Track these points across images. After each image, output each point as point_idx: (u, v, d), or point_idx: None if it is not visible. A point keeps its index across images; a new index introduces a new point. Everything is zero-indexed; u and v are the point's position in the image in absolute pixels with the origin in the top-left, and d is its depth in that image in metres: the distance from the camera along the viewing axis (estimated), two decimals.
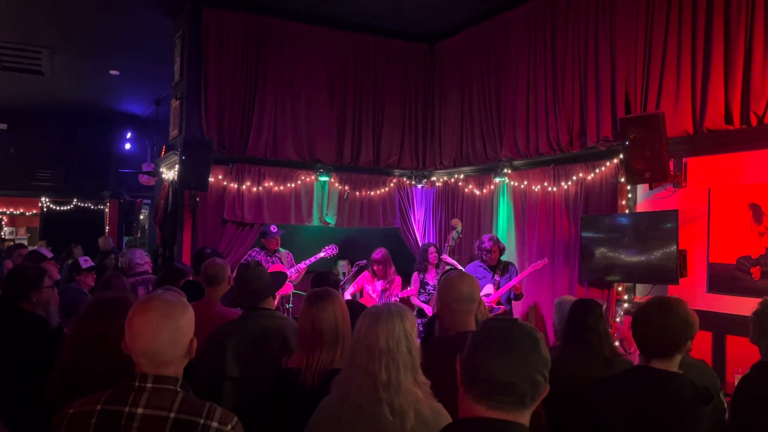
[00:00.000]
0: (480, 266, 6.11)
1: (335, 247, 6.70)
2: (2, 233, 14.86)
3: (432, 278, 6.56)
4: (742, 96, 4.77)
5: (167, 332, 1.74)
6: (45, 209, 14.12)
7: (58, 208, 14.16)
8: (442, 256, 6.60)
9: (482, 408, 1.40)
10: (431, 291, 6.48)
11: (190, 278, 5.07)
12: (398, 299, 6.30)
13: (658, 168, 4.97)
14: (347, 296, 6.52)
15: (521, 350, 1.41)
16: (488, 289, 5.97)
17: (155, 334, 1.73)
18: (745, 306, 4.66)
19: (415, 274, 6.59)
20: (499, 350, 1.41)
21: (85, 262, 5.88)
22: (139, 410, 1.69)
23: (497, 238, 6.22)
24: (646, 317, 2.36)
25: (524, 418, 1.42)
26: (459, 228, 6.74)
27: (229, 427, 1.72)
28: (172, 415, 1.69)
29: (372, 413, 2.00)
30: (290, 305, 6.76)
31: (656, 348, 2.29)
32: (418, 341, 2.14)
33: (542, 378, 1.42)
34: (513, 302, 6.21)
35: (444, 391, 2.03)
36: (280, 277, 3.44)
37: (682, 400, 2.19)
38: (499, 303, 5.99)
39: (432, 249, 6.66)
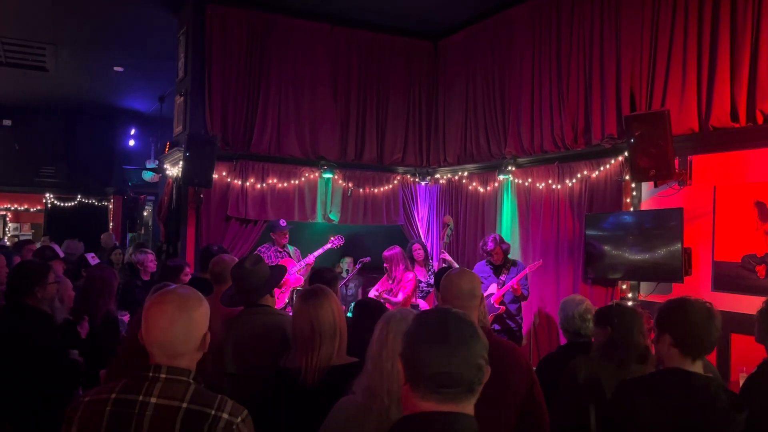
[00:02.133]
0: (486, 265, 6.12)
1: (341, 238, 6.67)
2: (7, 229, 14.90)
3: (422, 275, 6.53)
4: (748, 93, 4.74)
5: (181, 324, 1.76)
6: (49, 205, 14.16)
7: (62, 204, 14.19)
8: (442, 256, 6.57)
9: (432, 403, 1.39)
10: (424, 288, 6.46)
11: (190, 273, 5.09)
12: (400, 301, 6.11)
13: (664, 166, 4.95)
14: (372, 294, 6.40)
15: (462, 339, 1.40)
16: (492, 288, 5.94)
17: (169, 325, 1.76)
18: (750, 304, 4.63)
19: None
20: (440, 342, 1.40)
21: (93, 259, 5.93)
22: (153, 399, 1.72)
23: (501, 239, 6.15)
24: (689, 319, 2.27)
25: (471, 407, 1.43)
26: (451, 225, 6.73)
27: (239, 419, 1.74)
28: (184, 405, 1.72)
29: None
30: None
31: (700, 349, 2.26)
32: None
33: (484, 362, 1.42)
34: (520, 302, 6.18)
35: None
36: (279, 272, 3.41)
37: (721, 405, 2.17)
38: (501, 303, 5.96)
39: (416, 246, 6.64)
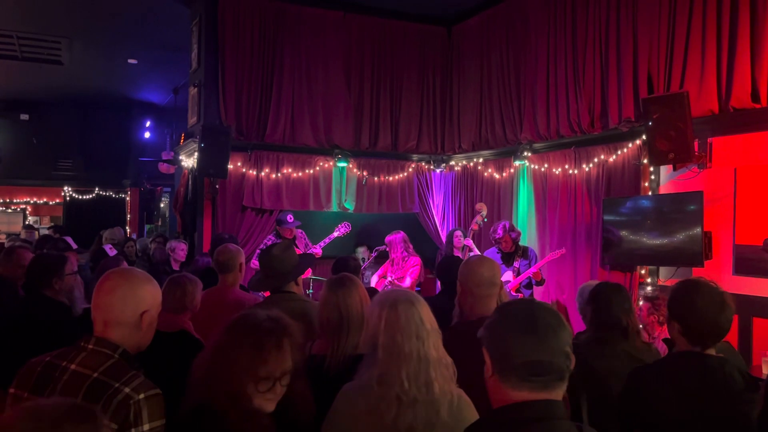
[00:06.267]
0: (497, 253, 6.07)
1: (348, 225, 6.69)
2: (27, 222, 15.09)
3: None
4: None
5: (120, 292, 1.89)
6: (68, 198, 14.32)
7: (80, 197, 14.35)
8: (466, 241, 6.54)
9: (525, 392, 1.42)
10: None
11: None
12: (406, 284, 6.18)
13: (683, 148, 4.87)
14: (374, 280, 6.53)
15: (550, 327, 1.44)
16: (507, 276, 5.91)
17: (109, 291, 1.89)
18: None
19: None
20: (529, 332, 1.43)
21: (111, 250, 6.00)
22: (72, 366, 1.83)
23: (510, 226, 6.09)
24: (696, 307, 2.21)
25: (562, 394, 1.46)
26: (483, 212, 6.62)
27: (141, 396, 1.75)
28: (95, 375, 1.79)
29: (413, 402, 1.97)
30: (310, 290, 6.77)
31: (709, 338, 2.20)
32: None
33: (571, 349, 1.46)
34: (534, 288, 6.15)
35: (466, 374, 2.01)
36: (308, 260, 3.43)
37: (735, 386, 2.14)
38: (518, 290, 5.93)
39: (458, 233, 6.63)
